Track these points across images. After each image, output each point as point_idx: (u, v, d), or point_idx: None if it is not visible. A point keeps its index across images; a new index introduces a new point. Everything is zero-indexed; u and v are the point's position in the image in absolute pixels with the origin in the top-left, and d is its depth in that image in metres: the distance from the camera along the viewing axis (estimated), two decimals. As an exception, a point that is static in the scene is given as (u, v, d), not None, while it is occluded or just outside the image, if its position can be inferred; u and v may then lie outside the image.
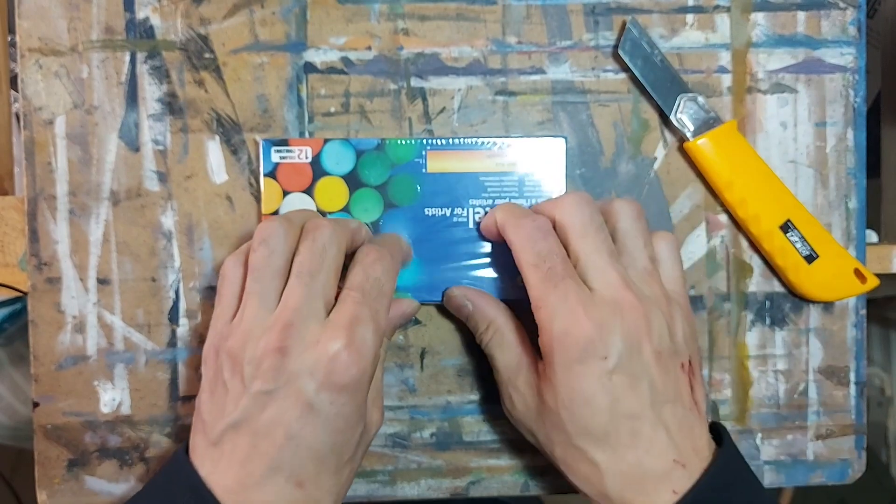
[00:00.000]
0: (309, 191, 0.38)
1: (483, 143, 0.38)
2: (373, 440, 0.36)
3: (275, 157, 0.38)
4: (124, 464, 0.39)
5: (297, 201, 0.38)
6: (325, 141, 0.38)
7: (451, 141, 0.38)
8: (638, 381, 0.31)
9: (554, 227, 0.33)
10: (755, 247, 0.39)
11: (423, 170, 0.38)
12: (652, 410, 0.31)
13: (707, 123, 0.38)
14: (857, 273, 0.38)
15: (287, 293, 0.32)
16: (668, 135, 0.39)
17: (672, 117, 0.38)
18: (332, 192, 0.38)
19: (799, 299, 0.40)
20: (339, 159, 0.38)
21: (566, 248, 0.33)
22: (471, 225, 0.38)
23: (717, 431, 0.33)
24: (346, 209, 0.38)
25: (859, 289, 0.38)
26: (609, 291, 0.31)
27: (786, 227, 0.38)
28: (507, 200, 0.38)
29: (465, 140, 0.38)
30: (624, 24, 0.38)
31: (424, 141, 0.38)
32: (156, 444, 0.39)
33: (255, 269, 0.32)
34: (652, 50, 0.38)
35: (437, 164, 0.38)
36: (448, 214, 0.38)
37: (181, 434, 0.39)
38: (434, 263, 0.38)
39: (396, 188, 0.38)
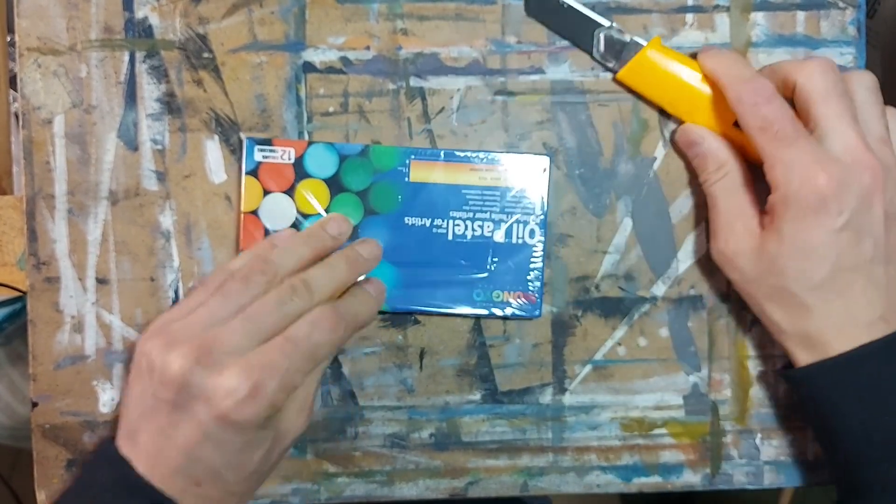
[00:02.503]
0: (290, 192, 0.37)
1: (468, 156, 0.37)
2: (292, 444, 0.35)
3: (258, 156, 0.37)
4: (123, 464, 0.39)
5: (277, 202, 0.37)
6: (310, 143, 0.37)
7: (436, 152, 0.38)
8: (863, 238, 0.32)
9: (792, 89, 0.34)
10: None
11: (406, 178, 0.37)
12: (870, 266, 0.33)
13: (630, 49, 0.37)
14: None
15: (231, 328, 0.32)
16: (667, 134, 0.39)
17: (595, 56, 0.38)
18: (313, 195, 0.37)
19: None
20: (321, 162, 0.37)
21: (806, 111, 0.34)
22: (450, 237, 0.38)
23: None
24: (325, 213, 0.38)
25: None
26: (848, 152, 0.32)
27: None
28: (487, 215, 0.37)
29: (450, 151, 0.37)
30: None
31: (409, 150, 0.37)
32: (154, 443, 0.39)
33: (239, 280, 0.33)
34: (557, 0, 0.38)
35: (419, 173, 0.37)
36: (428, 225, 0.38)
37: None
38: (410, 272, 0.38)
39: (378, 195, 0.38)
